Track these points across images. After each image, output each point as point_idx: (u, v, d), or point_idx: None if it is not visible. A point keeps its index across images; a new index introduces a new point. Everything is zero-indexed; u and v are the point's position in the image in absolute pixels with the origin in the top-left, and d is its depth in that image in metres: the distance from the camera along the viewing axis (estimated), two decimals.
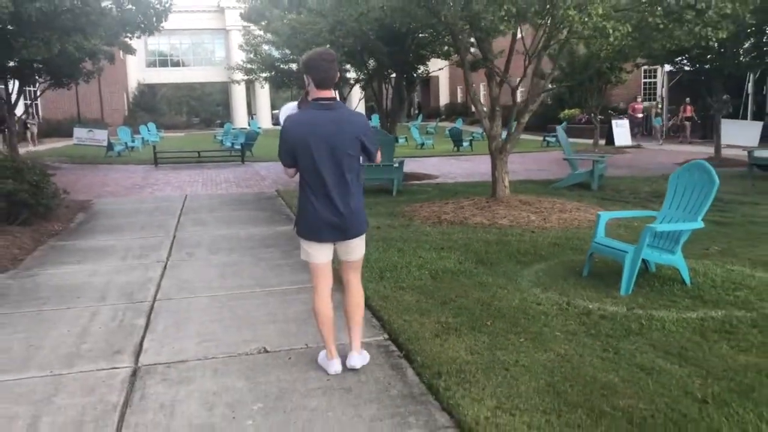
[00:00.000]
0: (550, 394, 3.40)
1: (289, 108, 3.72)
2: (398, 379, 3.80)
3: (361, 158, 3.71)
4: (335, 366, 3.81)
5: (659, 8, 7.22)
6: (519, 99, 9.81)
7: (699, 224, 5.27)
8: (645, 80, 33.30)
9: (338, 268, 3.85)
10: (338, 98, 3.65)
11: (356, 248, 3.76)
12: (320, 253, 3.71)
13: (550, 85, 10.08)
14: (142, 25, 9.83)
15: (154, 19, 9.83)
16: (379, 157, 3.82)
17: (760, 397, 3.30)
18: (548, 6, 7.19)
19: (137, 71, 45.12)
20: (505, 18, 7.09)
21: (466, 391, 3.48)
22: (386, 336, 4.52)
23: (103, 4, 9.49)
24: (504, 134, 9.65)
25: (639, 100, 28.39)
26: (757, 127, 16.99)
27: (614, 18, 7.31)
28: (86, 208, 10.95)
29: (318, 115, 3.52)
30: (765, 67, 16.00)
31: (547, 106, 33.77)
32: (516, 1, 6.82)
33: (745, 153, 13.94)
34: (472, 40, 9.17)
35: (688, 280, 5.32)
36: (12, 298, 5.73)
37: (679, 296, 5.05)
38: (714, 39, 7.56)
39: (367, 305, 4.91)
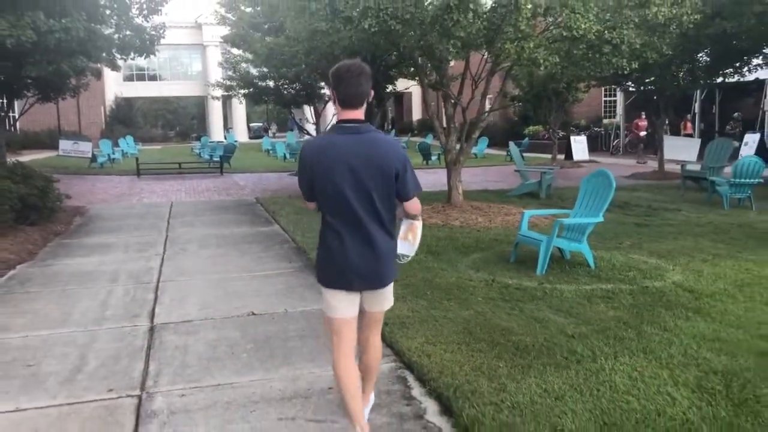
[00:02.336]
0: (464, 334, 4.67)
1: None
2: None
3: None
4: None
5: (582, 44, 8.61)
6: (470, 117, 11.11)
7: (599, 219, 6.62)
8: (606, 98, 35.14)
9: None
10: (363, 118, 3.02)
11: (387, 297, 3.13)
12: (348, 306, 3.02)
13: (511, 102, 11.41)
14: (140, 50, 10.98)
15: (148, 43, 11.02)
16: (416, 204, 3.11)
17: (612, 334, 4.61)
18: (489, 40, 8.57)
19: (115, 85, 45.90)
20: (453, 50, 8.45)
21: (404, 334, 4.73)
22: None
23: (107, 32, 10.62)
24: (458, 147, 10.98)
25: (643, 116, 25.18)
26: (696, 143, 18.62)
27: (548, 49, 8.71)
28: (82, 212, 12.02)
29: (340, 140, 2.89)
30: (699, 87, 17.59)
31: (514, 123, 35.47)
32: (461, 36, 8.16)
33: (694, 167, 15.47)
34: (430, 65, 10.50)
35: (592, 264, 6.65)
36: (37, 281, 6.85)
37: (581, 275, 6.38)
38: (628, 68, 9.02)
39: None
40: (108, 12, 10.40)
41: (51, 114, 35.94)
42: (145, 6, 11.05)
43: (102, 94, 44.60)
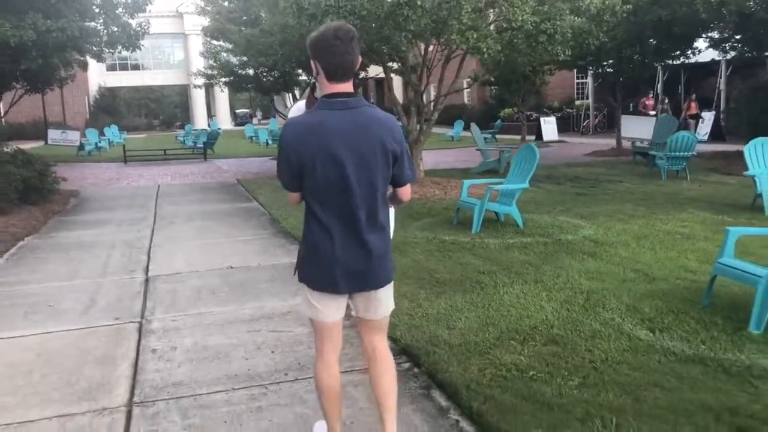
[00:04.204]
0: (399, 274, 5.81)
1: (299, 110, 2.87)
2: None
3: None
4: None
5: (521, 34, 9.74)
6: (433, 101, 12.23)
7: (525, 185, 7.79)
8: (578, 81, 36.32)
9: (357, 330, 2.94)
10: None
11: (384, 301, 2.73)
12: (332, 309, 2.66)
13: (464, 85, 12.48)
14: (126, 44, 11.99)
15: (134, 38, 12.01)
16: (409, 191, 2.75)
17: (515, 270, 5.80)
18: (438, 32, 9.68)
19: (98, 75, 46.48)
20: (405, 41, 9.57)
21: None
22: None
23: (96, 29, 11.59)
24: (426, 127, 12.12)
25: (650, 95, 25.21)
26: (651, 122, 19.81)
27: (493, 39, 9.83)
28: (76, 195, 13.05)
29: (331, 118, 2.47)
30: (652, 70, 18.79)
31: (490, 106, 36.57)
32: (412, 29, 9.26)
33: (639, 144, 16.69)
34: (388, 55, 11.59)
35: (520, 224, 7.82)
36: (44, 249, 7.93)
37: (509, 233, 7.56)
38: (562, 55, 10.18)
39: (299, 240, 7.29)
40: (97, 10, 11.41)
41: (36, 106, 36.54)
42: (130, 4, 12.05)
43: (85, 84, 45.19)
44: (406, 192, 2.73)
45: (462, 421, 3.26)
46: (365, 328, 2.80)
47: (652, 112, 24.95)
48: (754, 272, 4.22)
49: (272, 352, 4.31)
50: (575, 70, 32.58)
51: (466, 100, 40.66)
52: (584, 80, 36.03)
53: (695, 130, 24.54)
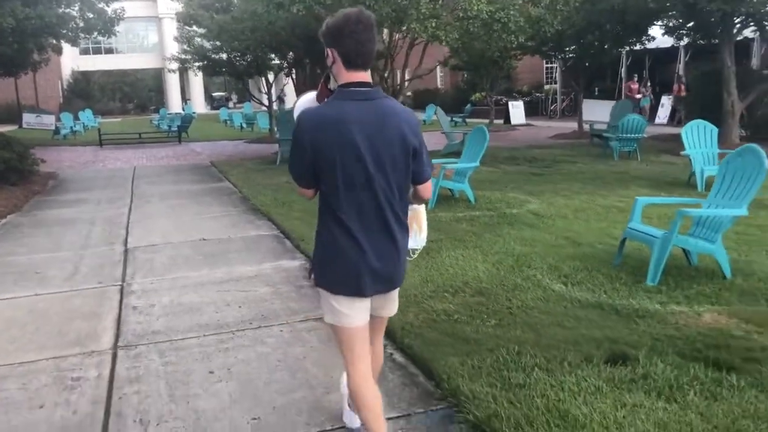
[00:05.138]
0: None
1: (307, 102, 2.64)
2: (280, 243, 6.81)
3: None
4: None
5: (477, 22, 10.38)
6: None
7: (476, 164, 8.46)
8: (547, 66, 37.07)
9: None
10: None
11: (396, 299, 2.72)
12: (358, 312, 2.52)
13: (437, 70, 13.13)
14: (102, 30, 12.38)
15: (109, 24, 12.39)
16: (430, 187, 2.64)
17: (459, 238, 6.47)
18: (399, 21, 10.29)
19: (71, 59, 46.21)
20: None
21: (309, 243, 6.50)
22: (279, 231, 7.50)
23: (73, 15, 11.99)
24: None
25: (635, 79, 25.06)
26: (609, 105, 20.61)
27: (450, 27, 10.46)
28: (54, 177, 13.48)
29: (351, 110, 2.34)
30: (612, 55, 19.56)
31: (462, 90, 37.22)
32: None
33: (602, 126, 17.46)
34: None
35: (472, 199, 8.50)
36: (28, 226, 8.44)
37: (461, 207, 8.24)
38: (515, 43, 10.86)
39: (268, 215, 7.93)
40: None
41: (8, 90, 36.44)
42: None
43: (58, 68, 44.94)
44: (427, 189, 2.61)
45: (395, 353, 3.93)
46: (371, 328, 2.64)
47: (638, 96, 25.12)
48: (652, 234, 4.93)
49: (239, 307, 4.94)
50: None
51: (439, 84, 41.30)
52: (553, 65, 36.87)
53: (684, 116, 25.08)
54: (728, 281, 4.84)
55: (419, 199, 2.64)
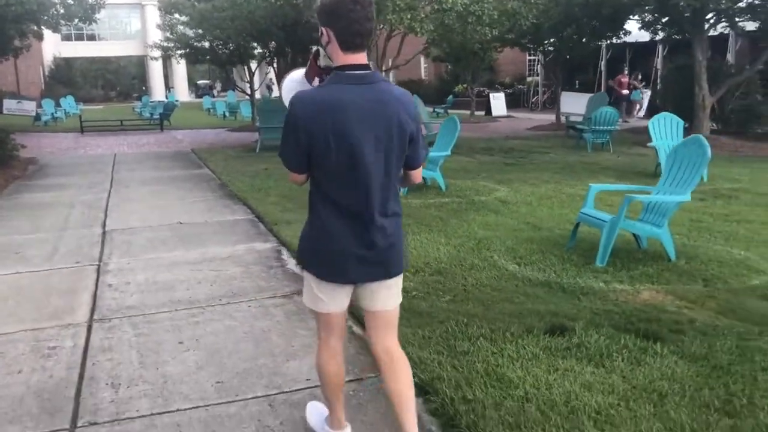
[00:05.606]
0: None
1: (295, 81, 2.56)
2: (254, 227, 7.06)
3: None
4: None
5: (452, 14, 10.64)
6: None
7: (447, 153, 8.74)
8: (530, 58, 37.40)
9: (366, 333, 2.76)
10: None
11: (395, 291, 2.57)
12: (337, 299, 2.49)
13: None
14: (83, 17, 12.47)
15: (90, 11, 12.49)
16: (420, 174, 2.58)
17: (426, 223, 6.75)
18: (375, 11, 10.50)
19: (53, 45, 45.87)
20: None
21: (287, 227, 6.76)
22: (254, 216, 7.74)
23: (54, 2, 12.10)
24: None
25: (625, 72, 24.63)
26: (584, 97, 20.97)
27: (427, 19, 10.71)
28: (35, 162, 13.59)
29: (349, 93, 2.26)
30: (588, 49, 19.91)
31: (446, 82, 37.49)
32: None
33: (577, 118, 17.80)
34: None
35: (443, 187, 8.79)
36: (8, 209, 8.61)
37: (432, 194, 8.53)
38: (488, 35, 11.14)
39: (244, 201, 8.16)
40: None
41: None
42: None
43: (40, 54, 44.59)
44: (417, 175, 2.55)
45: (354, 326, 4.20)
46: (374, 326, 2.57)
47: (625, 91, 24.51)
48: (601, 218, 5.24)
49: (211, 285, 5.19)
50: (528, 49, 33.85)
51: (423, 75, 41.53)
52: (535, 58, 37.22)
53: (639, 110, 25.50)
54: (672, 263, 5.16)
55: (406, 183, 2.59)
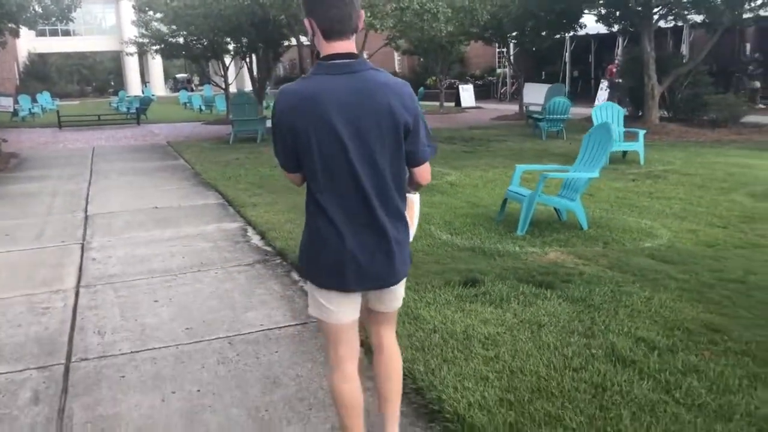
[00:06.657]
0: (289, 206, 7.47)
1: None
2: (224, 209, 7.79)
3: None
4: None
5: (409, 12, 11.40)
6: None
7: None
8: (499, 50, 38.24)
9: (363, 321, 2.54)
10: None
11: (399, 294, 2.48)
12: (344, 308, 2.32)
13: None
14: (60, 17, 13.03)
15: (66, 11, 13.04)
16: (427, 171, 2.33)
17: None
18: None
19: (28, 40, 45.82)
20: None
21: (254, 208, 7.49)
22: (224, 200, 8.46)
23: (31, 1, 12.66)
24: None
25: (616, 61, 24.33)
26: (545, 88, 21.86)
27: (387, 16, 11.46)
28: (16, 156, 14.16)
29: (331, 84, 2.11)
30: (550, 42, 20.79)
31: (418, 74, 38.22)
32: None
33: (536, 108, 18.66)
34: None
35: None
36: None
37: None
38: (444, 31, 11.93)
39: (216, 188, 8.87)
40: None
41: None
42: None
43: (15, 50, 44.58)
44: (423, 173, 2.31)
45: (305, 285, 4.97)
46: (374, 321, 2.50)
47: (619, 80, 23.80)
48: (522, 193, 6.06)
49: (183, 257, 5.92)
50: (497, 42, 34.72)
51: (397, 68, 42.22)
52: (504, 50, 38.09)
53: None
54: (583, 231, 5.99)
55: (413, 184, 2.35)
